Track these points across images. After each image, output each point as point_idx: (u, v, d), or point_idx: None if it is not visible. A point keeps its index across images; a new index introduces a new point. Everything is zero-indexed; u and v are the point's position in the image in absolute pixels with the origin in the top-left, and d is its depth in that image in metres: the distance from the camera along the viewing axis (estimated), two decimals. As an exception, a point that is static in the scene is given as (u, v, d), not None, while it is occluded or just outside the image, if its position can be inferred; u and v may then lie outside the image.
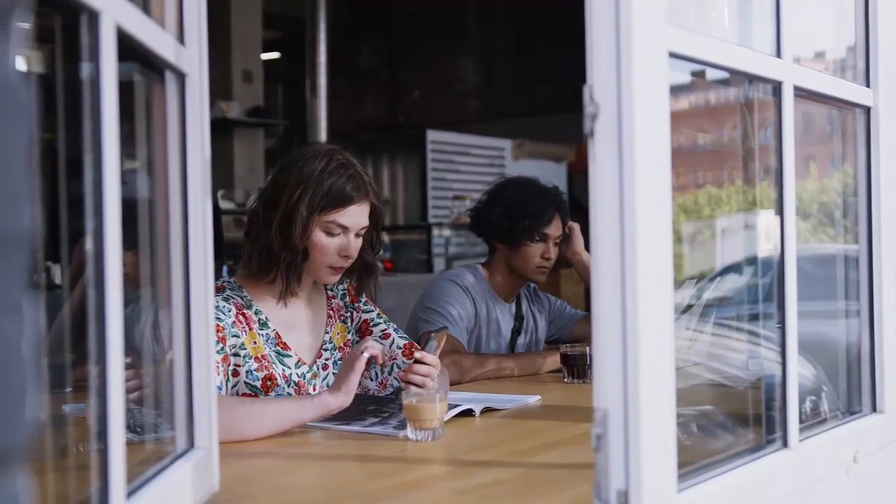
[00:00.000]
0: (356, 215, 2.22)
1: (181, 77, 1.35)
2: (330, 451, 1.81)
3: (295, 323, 2.30)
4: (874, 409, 1.82)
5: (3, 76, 0.57)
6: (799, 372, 1.57)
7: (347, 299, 2.42)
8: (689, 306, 2.16)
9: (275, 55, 10.30)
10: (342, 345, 2.37)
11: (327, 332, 2.35)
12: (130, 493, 1.10)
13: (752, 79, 1.56)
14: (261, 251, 2.20)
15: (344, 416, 2.05)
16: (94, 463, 1.04)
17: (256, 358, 2.18)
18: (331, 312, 2.38)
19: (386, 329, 2.41)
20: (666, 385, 1.22)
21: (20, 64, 0.60)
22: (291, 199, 2.16)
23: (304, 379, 2.26)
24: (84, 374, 1.15)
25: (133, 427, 1.40)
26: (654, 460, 1.18)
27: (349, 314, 2.42)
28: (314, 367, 2.29)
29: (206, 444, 1.39)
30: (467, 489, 1.54)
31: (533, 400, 2.36)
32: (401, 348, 2.36)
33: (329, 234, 2.20)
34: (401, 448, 1.82)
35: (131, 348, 1.19)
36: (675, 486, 1.24)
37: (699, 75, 1.50)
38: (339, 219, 2.19)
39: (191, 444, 1.38)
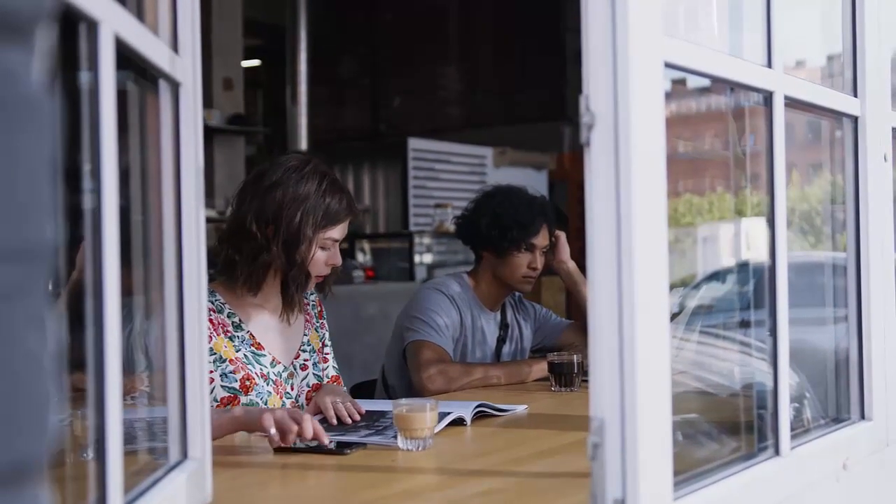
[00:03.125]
0: (345, 228, 2.35)
1: (175, 86, 1.35)
2: (322, 462, 1.80)
3: (272, 325, 2.36)
4: (862, 417, 1.84)
5: (27, 90, 0.57)
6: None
7: (316, 311, 2.52)
8: (674, 315, 2.17)
9: (255, 62, 10.28)
10: (318, 349, 2.47)
11: (305, 335, 2.44)
12: (126, 505, 1.09)
13: (744, 88, 1.57)
14: (261, 268, 2.26)
15: (337, 428, 2.04)
16: (91, 473, 1.03)
17: (231, 360, 2.23)
18: (307, 317, 2.47)
19: (328, 354, 2.52)
20: (662, 393, 1.22)
21: (43, 76, 0.60)
22: (294, 221, 2.24)
23: (281, 378, 2.32)
24: (75, 384, 1.14)
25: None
26: (650, 469, 1.18)
27: (319, 324, 2.52)
28: (291, 367, 2.36)
29: (199, 455, 1.39)
30: (461, 498, 1.53)
31: (521, 409, 2.35)
32: (328, 378, 2.45)
33: (323, 248, 2.30)
34: (392, 458, 1.82)
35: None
36: (672, 494, 1.24)
37: (679, 83, 1.51)
38: (335, 234, 2.31)
39: (184, 455, 1.37)
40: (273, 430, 1.81)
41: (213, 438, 1.92)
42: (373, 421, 2.13)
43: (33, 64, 0.58)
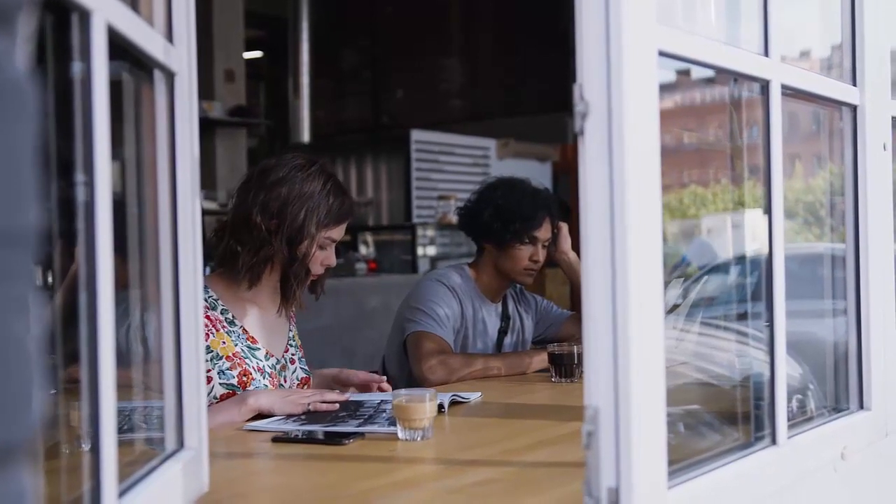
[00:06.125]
0: (343, 230, 2.39)
1: (170, 76, 1.35)
2: (319, 452, 1.81)
3: (261, 320, 2.39)
4: (861, 407, 1.84)
5: (9, 76, 0.58)
6: (786, 371, 1.57)
7: (294, 310, 2.54)
8: (676, 305, 2.17)
9: (257, 54, 10.29)
10: (300, 345, 2.52)
11: (291, 330, 2.48)
12: (121, 494, 1.10)
13: (740, 77, 1.57)
14: (263, 262, 2.29)
15: (323, 419, 2.04)
16: (86, 463, 1.04)
17: (228, 357, 2.26)
18: (292, 315, 2.50)
19: (298, 353, 2.52)
20: (656, 382, 1.22)
21: (25, 62, 0.60)
22: (298, 218, 2.27)
23: (275, 370, 2.36)
24: (73, 375, 1.15)
25: (121, 427, 1.40)
26: (644, 457, 1.18)
27: (296, 323, 2.55)
28: (283, 360, 2.40)
29: (195, 445, 1.39)
30: (459, 488, 1.54)
31: (474, 397, 2.38)
32: (298, 380, 2.46)
33: (321, 247, 2.33)
34: (390, 448, 1.82)
35: (118, 349, 1.19)
36: (666, 483, 1.24)
37: (684, 73, 1.51)
38: (333, 234, 2.34)
39: (180, 444, 1.38)
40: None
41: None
42: (354, 411, 2.13)
43: (15, 51, 0.58)
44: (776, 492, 1.54)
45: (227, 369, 2.24)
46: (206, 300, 2.28)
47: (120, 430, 1.18)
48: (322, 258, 2.34)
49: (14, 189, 0.57)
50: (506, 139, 8.55)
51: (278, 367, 2.37)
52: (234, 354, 2.26)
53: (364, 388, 2.44)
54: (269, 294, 2.38)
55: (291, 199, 2.27)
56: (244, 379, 2.25)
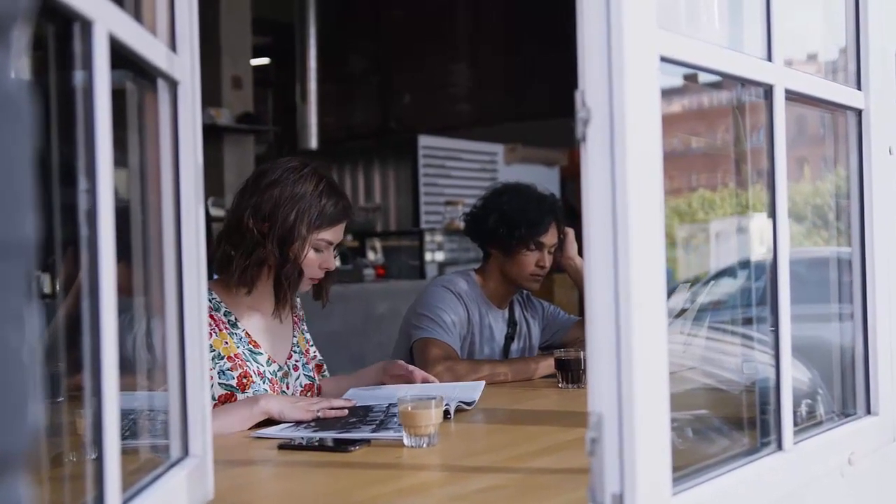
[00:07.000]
0: (341, 231, 2.37)
1: (173, 85, 1.35)
2: (325, 459, 1.81)
3: (264, 326, 2.39)
4: (868, 412, 1.83)
5: (4, 88, 0.58)
6: (794, 376, 1.57)
7: (301, 315, 2.55)
8: (683, 310, 2.16)
9: (265, 61, 10.29)
10: (304, 351, 2.50)
11: (294, 336, 2.47)
12: (125, 502, 1.10)
13: (743, 82, 1.57)
14: (256, 265, 2.29)
15: (334, 426, 2.04)
16: (90, 471, 1.04)
17: (229, 357, 2.27)
18: (296, 320, 2.50)
19: (313, 349, 2.54)
20: (660, 388, 1.21)
21: (21, 73, 0.60)
22: (289, 219, 2.27)
23: (276, 377, 2.36)
24: (78, 384, 1.15)
25: (124, 434, 1.40)
26: (648, 464, 1.18)
27: (304, 328, 2.55)
28: (285, 367, 2.40)
29: (200, 453, 1.39)
30: (464, 495, 1.53)
31: (479, 389, 2.40)
32: (302, 387, 2.45)
33: (316, 250, 2.33)
34: (396, 454, 1.82)
35: (124, 357, 1.19)
36: (670, 489, 1.24)
37: (691, 78, 1.50)
38: (328, 236, 2.33)
39: (185, 452, 1.38)
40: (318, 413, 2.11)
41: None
42: (363, 416, 2.13)
43: (10, 62, 0.58)
44: (782, 497, 1.53)
45: (228, 370, 2.24)
46: (210, 302, 2.28)
47: (124, 437, 1.18)
48: (319, 261, 2.33)
49: (10, 200, 0.57)
50: (513, 144, 8.54)
51: (280, 373, 2.37)
52: (235, 356, 2.27)
53: (405, 379, 2.45)
54: (271, 300, 2.38)
55: (283, 201, 2.27)
56: (244, 381, 2.25)
